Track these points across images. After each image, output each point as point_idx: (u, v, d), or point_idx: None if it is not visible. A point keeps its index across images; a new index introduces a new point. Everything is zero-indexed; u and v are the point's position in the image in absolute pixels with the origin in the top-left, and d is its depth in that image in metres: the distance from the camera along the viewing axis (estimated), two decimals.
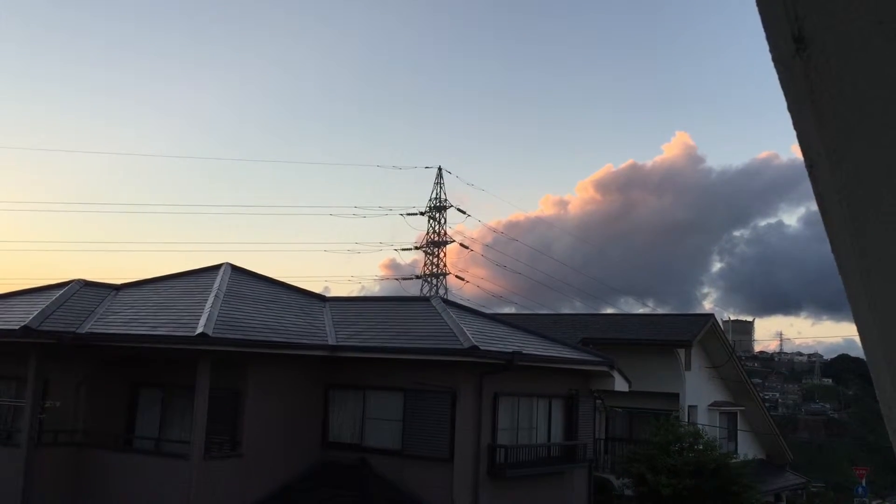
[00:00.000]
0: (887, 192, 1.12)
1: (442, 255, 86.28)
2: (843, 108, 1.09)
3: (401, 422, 17.03)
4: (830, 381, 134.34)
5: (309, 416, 17.72)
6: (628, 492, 24.77)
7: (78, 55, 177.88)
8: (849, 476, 48.28)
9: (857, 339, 1.29)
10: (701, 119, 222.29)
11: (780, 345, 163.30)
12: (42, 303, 17.22)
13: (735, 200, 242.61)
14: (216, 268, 20.31)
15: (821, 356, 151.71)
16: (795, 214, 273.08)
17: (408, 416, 16.91)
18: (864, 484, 35.03)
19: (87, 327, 16.40)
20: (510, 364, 16.28)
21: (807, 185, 1.20)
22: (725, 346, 32.78)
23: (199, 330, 14.74)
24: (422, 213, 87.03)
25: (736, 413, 31.96)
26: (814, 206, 1.21)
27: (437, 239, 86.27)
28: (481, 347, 15.83)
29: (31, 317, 15.89)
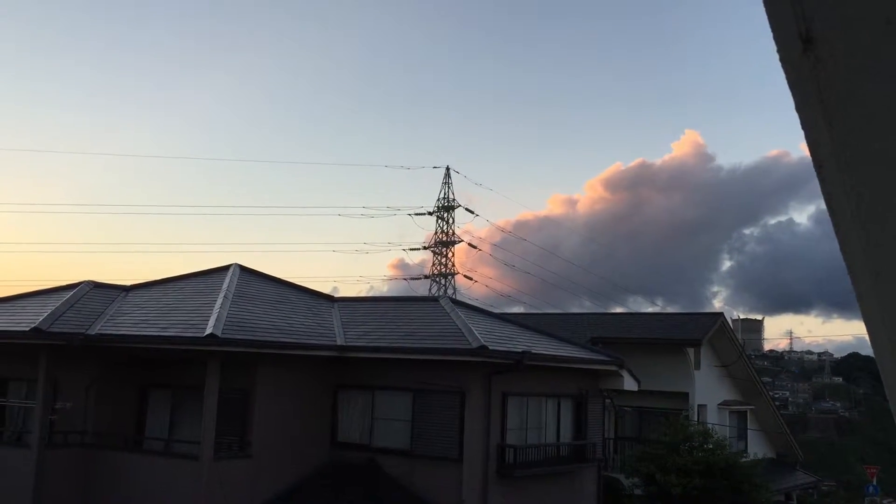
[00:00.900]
0: None
1: (450, 254, 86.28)
2: (851, 108, 1.09)
3: (409, 422, 17.04)
4: (841, 379, 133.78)
5: (318, 417, 17.75)
6: (638, 491, 24.70)
7: (83, 56, 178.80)
8: (860, 474, 48.11)
9: (867, 337, 1.28)
10: (710, 117, 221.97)
11: (791, 343, 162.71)
12: (52, 304, 17.30)
13: (745, 198, 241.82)
14: (225, 269, 20.36)
15: (831, 354, 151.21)
16: (806, 212, 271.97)
17: (417, 416, 16.92)
18: (874, 482, 34.91)
19: (97, 328, 16.47)
20: (519, 364, 16.27)
21: (817, 183, 1.20)
22: (735, 345, 32.66)
23: (209, 331, 14.79)
24: (430, 213, 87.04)
25: (746, 412, 31.85)
26: (824, 204, 1.21)
27: (445, 239, 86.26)
28: (490, 347, 15.82)
29: (42, 318, 15.97)
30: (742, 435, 31.31)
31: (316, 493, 16.57)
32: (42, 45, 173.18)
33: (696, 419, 27.99)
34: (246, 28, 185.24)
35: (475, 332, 16.67)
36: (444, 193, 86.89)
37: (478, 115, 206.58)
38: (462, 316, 18.31)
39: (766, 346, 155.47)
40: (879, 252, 1.16)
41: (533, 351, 16.92)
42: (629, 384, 20.91)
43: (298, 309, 19.25)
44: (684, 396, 29.11)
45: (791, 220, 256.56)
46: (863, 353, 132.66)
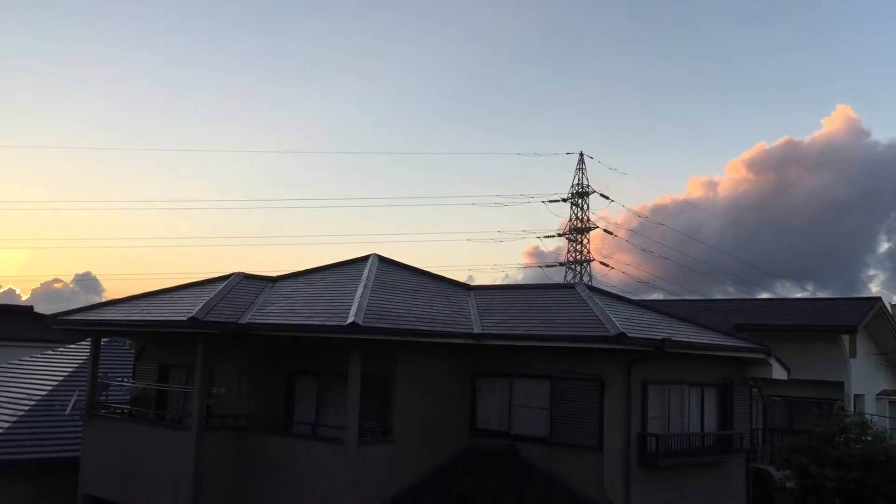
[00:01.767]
0: None
1: (585, 241, 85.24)
2: None
3: (548, 409, 16.97)
4: None
5: (456, 404, 17.96)
6: (790, 484, 23.72)
7: (231, 66, 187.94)
8: None
9: None
10: (865, 90, 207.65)
11: None
12: (206, 295, 18.25)
13: None
14: (364, 259, 20.92)
15: None
16: None
17: (555, 403, 16.83)
18: None
19: (248, 318, 17.24)
20: (659, 351, 15.86)
21: None
22: (894, 332, 30.87)
23: (351, 319, 15.23)
24: (564, 200, 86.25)
25: None
26: None
27: (580, 225, 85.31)
28: (629, 334, 15.51)
29: (198, 308, 16.88)
30: None
31: (456, 479, 16.80)
32: (189, 57, 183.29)
33: (852, 410, 26.63)
34: (380, 28, 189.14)
35: (613, 319, 16.39)
36: (578, 179, 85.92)
37: (610, 100, 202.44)
38: (599, 303, 18.04)
39: None
40: None
41: (673, 338, 16.46)
42: (778, 373, 20.00)
43: (435, 297, 19.53)
44: (838, 386, 27.73)
45: None
46: None
